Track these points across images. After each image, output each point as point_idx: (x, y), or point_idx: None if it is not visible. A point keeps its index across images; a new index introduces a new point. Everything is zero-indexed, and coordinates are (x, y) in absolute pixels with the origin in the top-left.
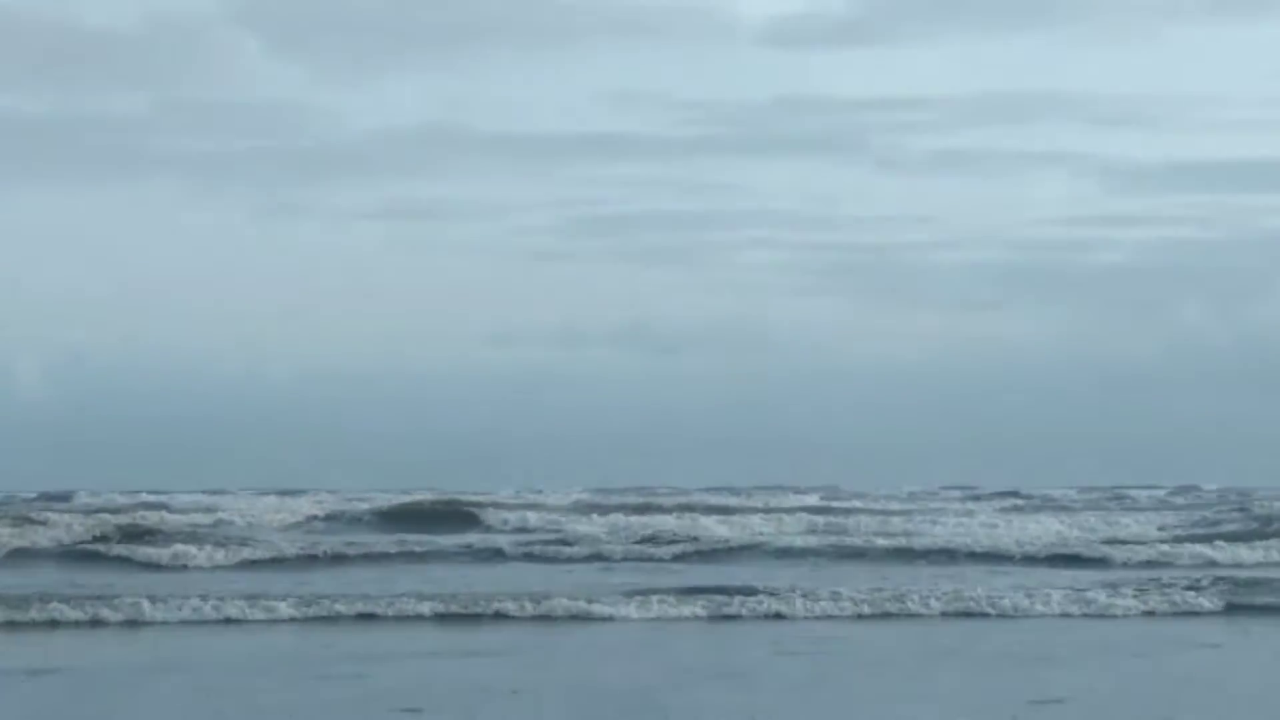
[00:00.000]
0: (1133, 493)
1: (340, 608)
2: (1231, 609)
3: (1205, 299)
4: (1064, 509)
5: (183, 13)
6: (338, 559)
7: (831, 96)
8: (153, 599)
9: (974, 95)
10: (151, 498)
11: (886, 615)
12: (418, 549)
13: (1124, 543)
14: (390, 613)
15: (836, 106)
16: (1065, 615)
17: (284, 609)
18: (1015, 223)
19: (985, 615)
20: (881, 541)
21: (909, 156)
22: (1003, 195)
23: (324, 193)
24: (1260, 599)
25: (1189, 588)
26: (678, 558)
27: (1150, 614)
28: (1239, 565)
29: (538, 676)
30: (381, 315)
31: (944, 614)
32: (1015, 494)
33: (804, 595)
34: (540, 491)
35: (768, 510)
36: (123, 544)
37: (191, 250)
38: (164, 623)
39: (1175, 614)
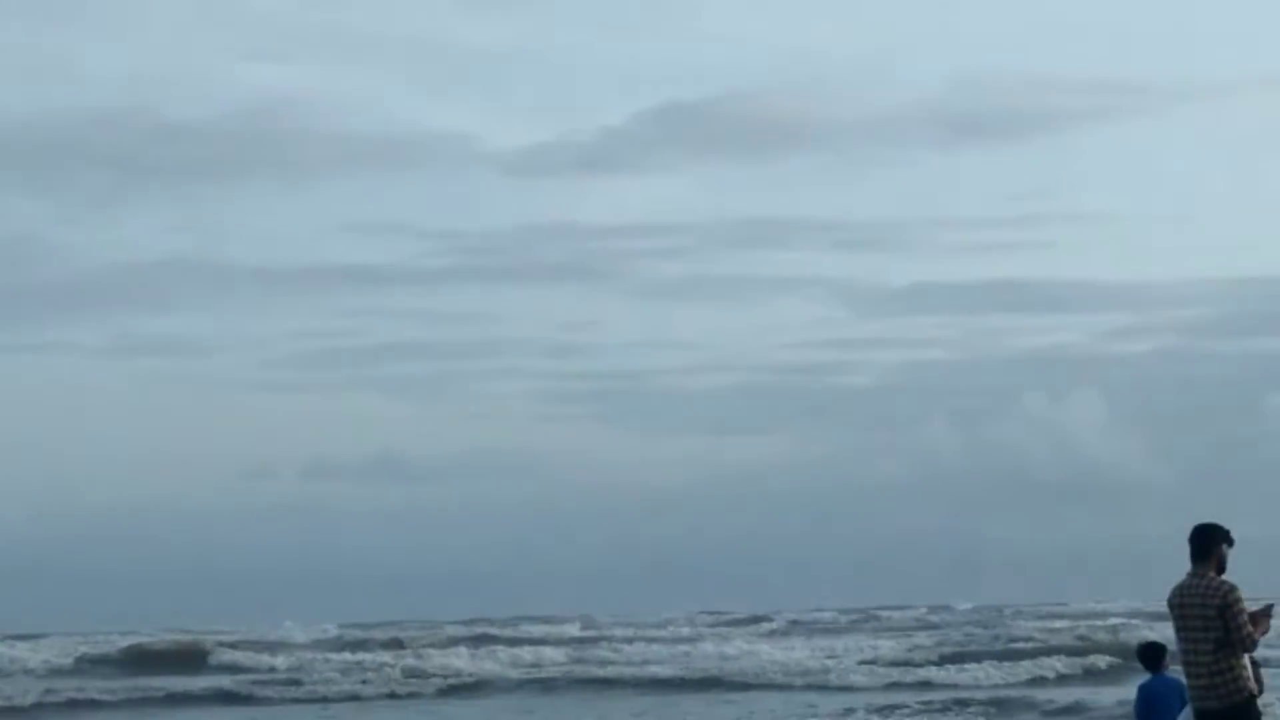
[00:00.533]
0: (887, 613)
1: None
2: None
3: (950, 417)
4: (821, 631)
5: None
6: (74, 705)
7: (580, 223)
8: None
9: (723, 222)
10: None
11: None
12: (157, 694)
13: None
14: None
15: (585, 233)
16: None
17: None
18: (766, 347)
19: None
20: (635, 671)
21: (659, 283)
22: (753, 320)
23: (67, 329)
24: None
25: (941, 709)
26: (442, 693)
27: None
28: (980, 686)
29: None
30: (125, 452)
31: None
32: (768, 618)
33: None
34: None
35: (529, 641)
36: None
37: None
38: None
39: None
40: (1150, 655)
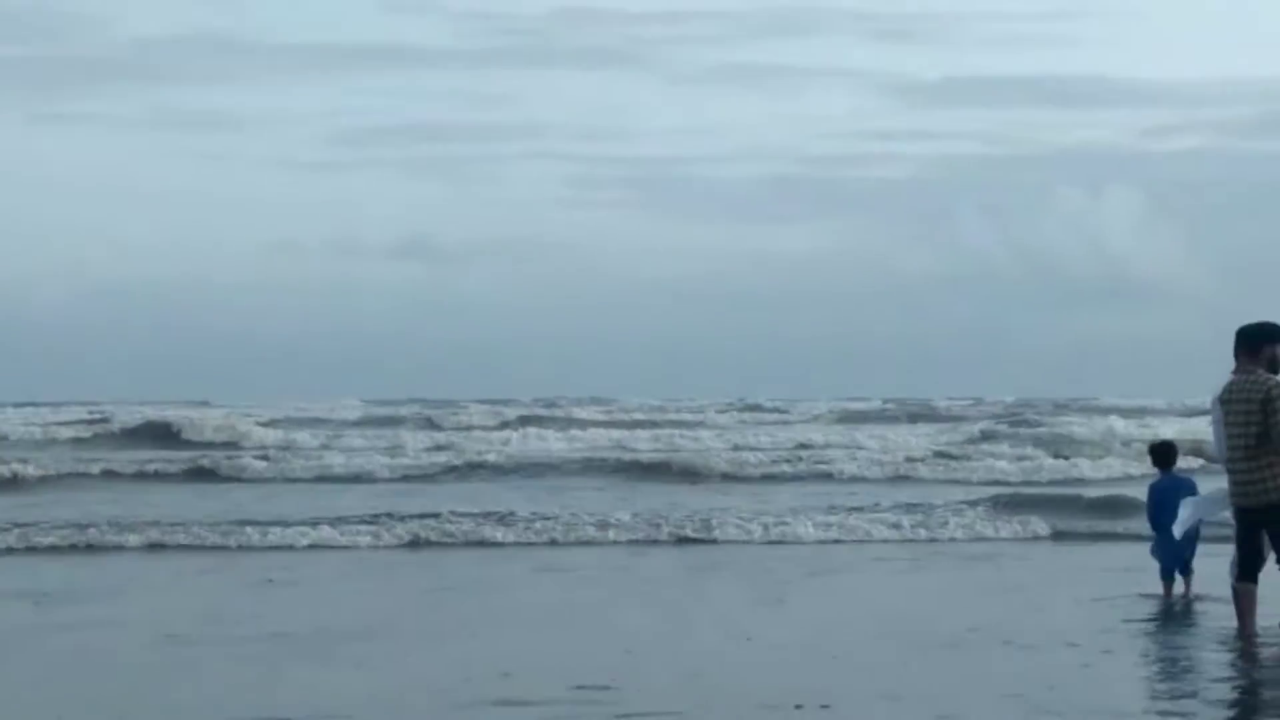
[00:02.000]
0: (920, 405)
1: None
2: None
3: (984, 212)
4: (863, 420)
5: None
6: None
7: (612, 9)
8: None
9: (757, 9)
10: None
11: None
12: (181, 466)
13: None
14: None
15: (621, 18)
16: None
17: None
18: (800, 137)
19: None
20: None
21: (694, 70)
22: (787, 109)
23: (97, 101)
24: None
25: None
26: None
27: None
28: (1010, 481)
29: None
30: (154, 226)
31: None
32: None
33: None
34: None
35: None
36: None
37: None
38: None
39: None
40: (1162, 454)
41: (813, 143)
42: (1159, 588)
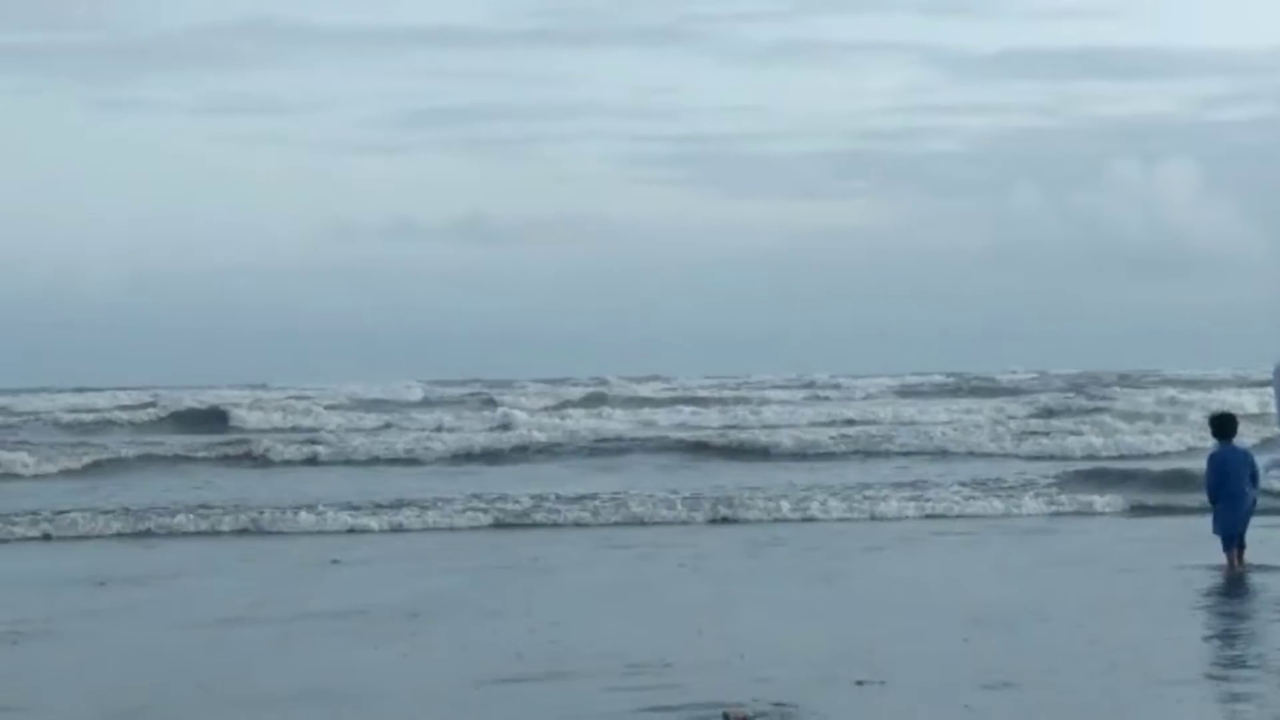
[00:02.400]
0: (978, 380)
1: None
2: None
3: (1041, 185)
4: (923, 395)
5: None
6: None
7: None
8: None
9: None
10: None
11: None
12: (241, 450)
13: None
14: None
15: None
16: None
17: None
18: (854, 111)
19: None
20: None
21: (746, 47)
22: (841, 84)
23: (152, 87)
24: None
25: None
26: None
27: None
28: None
29: None
30: (210, 212)
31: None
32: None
33: None
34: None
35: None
36: None
37: (16, 145)
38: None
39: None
40: (1221, 425)
41: (868, 118)
42: (1223, 559)
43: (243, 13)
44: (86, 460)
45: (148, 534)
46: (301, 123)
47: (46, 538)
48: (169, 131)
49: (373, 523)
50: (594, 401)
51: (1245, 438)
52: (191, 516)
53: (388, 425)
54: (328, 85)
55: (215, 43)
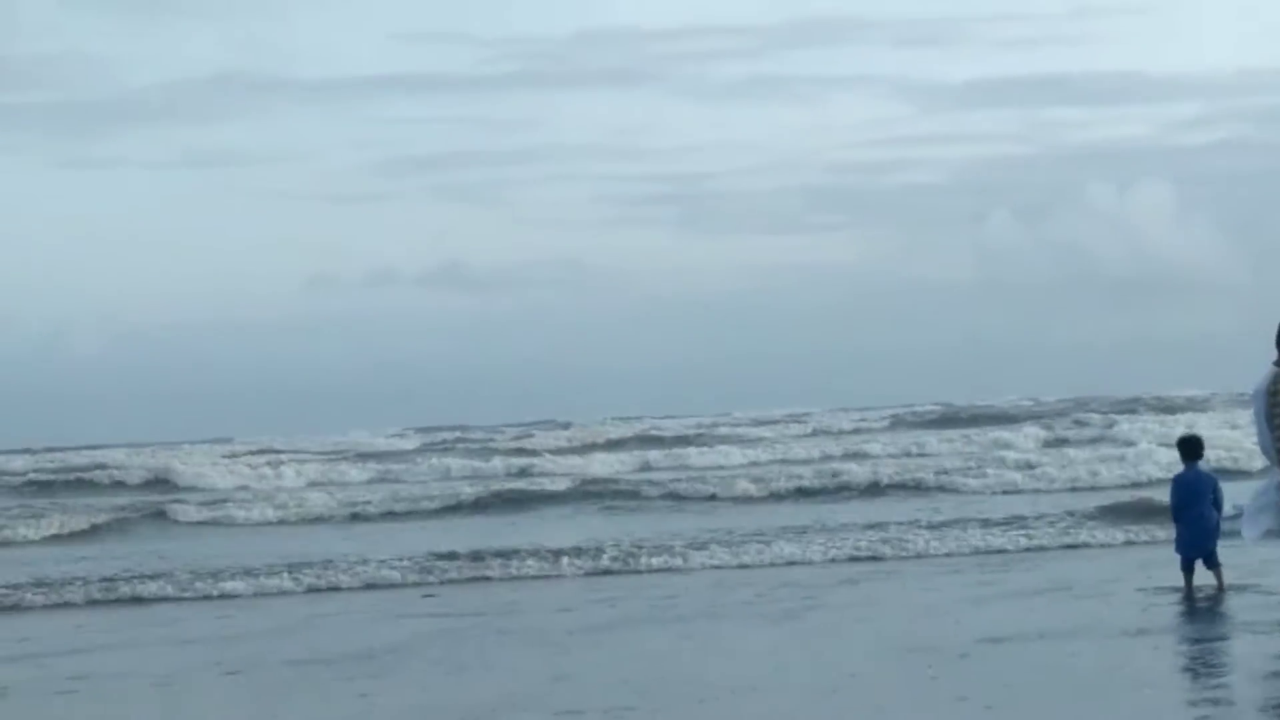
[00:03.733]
0: (970, 410)
1: None
2: None
3: (1016, 213)
4: (918, 426)
5: None
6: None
7: (632, 27)
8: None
9: (776, 22)
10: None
11: None
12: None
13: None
14: None
15: (639, 37)
16: None
17: None
18: (827, 145)
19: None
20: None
21: (717, 84)
22: (813, 119)
23: (120, 144)
24: None
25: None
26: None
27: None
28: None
29: None
30: (188, 267)
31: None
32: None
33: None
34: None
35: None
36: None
37: None
38: None
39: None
40: (1187, 448)
41: (841, 151)
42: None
43: (212, 68)
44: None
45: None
46: (275, 174)
47: None
48: (142, 188)
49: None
50: (603, 448)
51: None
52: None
53: (379, 479)
54: (299, 137)
55: (185, 98)
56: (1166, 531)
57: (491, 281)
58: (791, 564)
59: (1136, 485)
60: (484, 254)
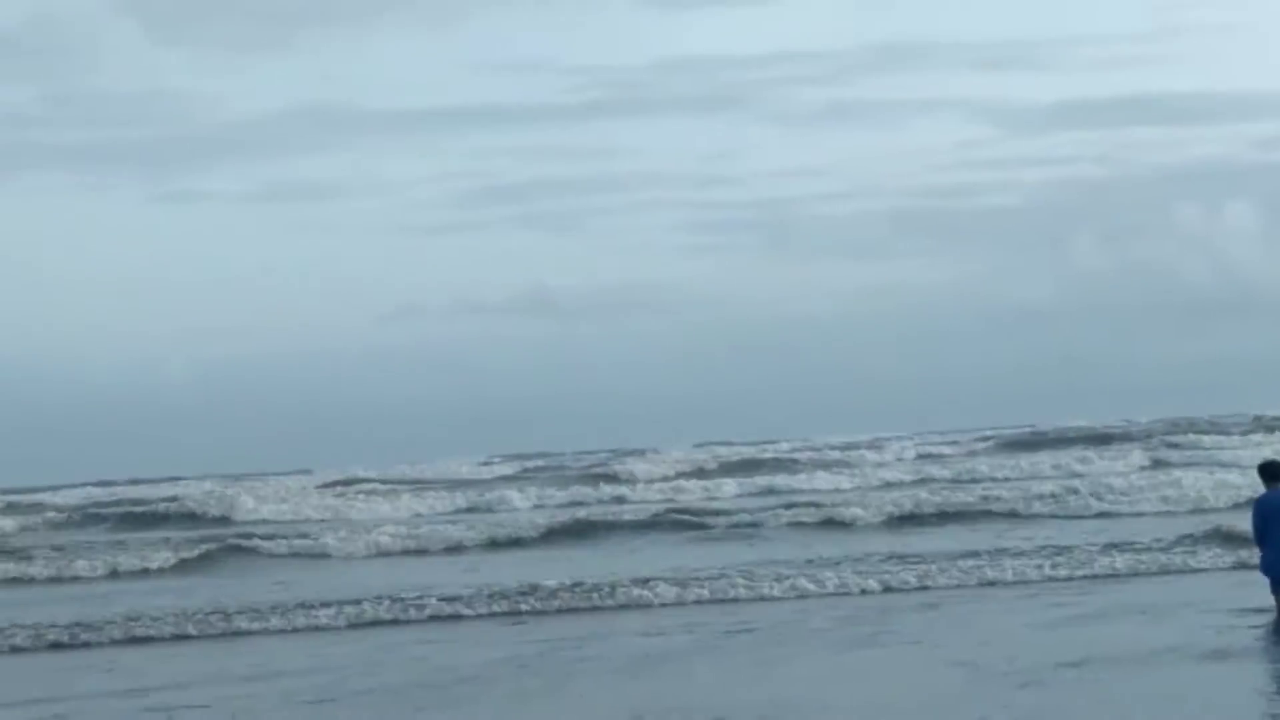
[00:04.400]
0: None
1: None
2: None
3: (1102, 235)
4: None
5: (64, 4)
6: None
7: (715, 54)
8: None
9: (858, 46)
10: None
11: None
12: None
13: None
14: None
15: (721, 64)
16: None
17: None
18: (912, 170)
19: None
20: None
21: (795, 111)
22: (898, 144)
23: (212, 178)
24: None
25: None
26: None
27: None
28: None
29: None
30: (278, 299)
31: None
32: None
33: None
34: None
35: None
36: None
37: (84, 240)
38: None
39: None
40: (1268, 471)
41: (925, 175)
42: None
43: (299, 102)
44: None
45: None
46: (364, 207)
47: None
48: (231, 222)
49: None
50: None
51: None
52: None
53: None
54: (387, 169)
55: (273, 133)
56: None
57: (575, 308)
58: (888, 590)
59: (1237, 506)
60: (568, 281)
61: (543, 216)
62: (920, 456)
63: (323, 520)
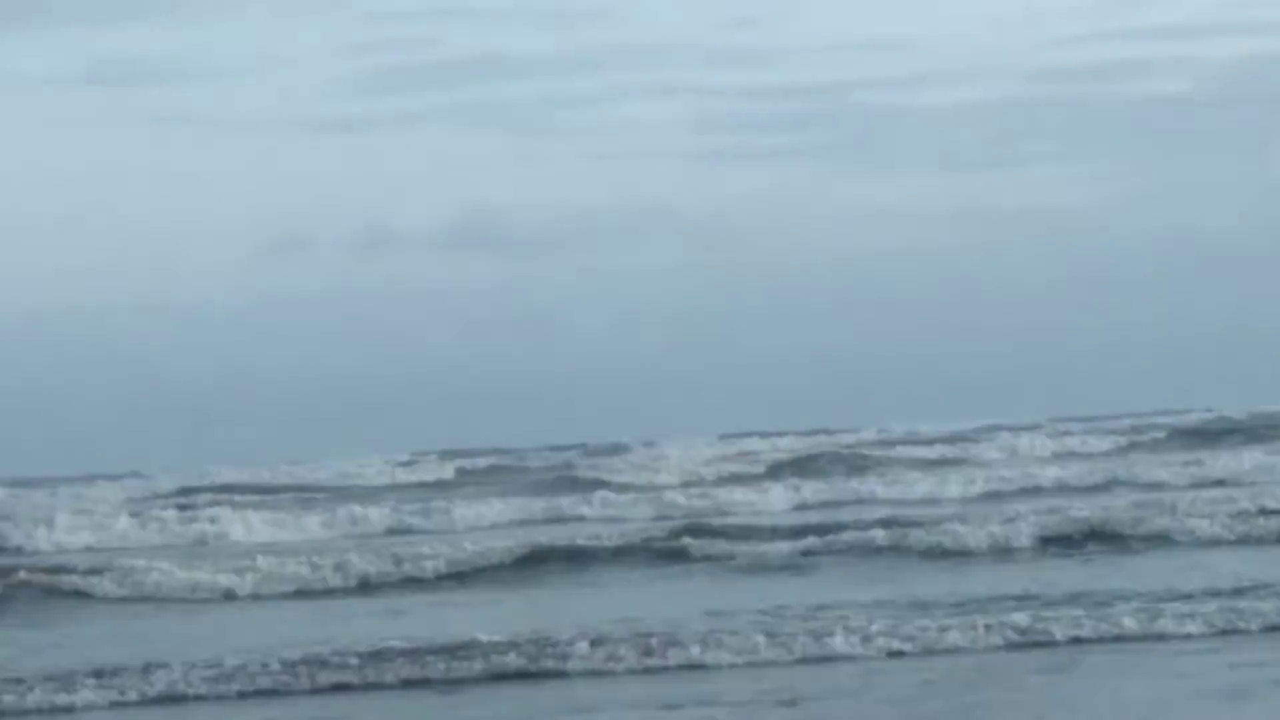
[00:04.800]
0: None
1: None
2: None
3: None
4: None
5: None
6: None
7: None
8: None
9: None
10: None
11: None
12: None
13: None
14: None
15: None
16: None
17: None
18: (1029, 44)
19: None
20: None
21: None
22: (1007, 7)
23: (17, 52)
24: None
25: None
26: None
27: None
28: None
29: None
30: (103, 229)
31: None
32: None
33: None
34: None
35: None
36: None
37: None
38: None
39: None
40: None
41: (1054, 50)
42: None
43: None
44: None
45: None
46: (223, 94)
47: None
48: (29, 114)
49: None
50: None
51: None
52: None
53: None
54: (257, 38)
55: None
56: None
57: (536, 241)
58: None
59: None
60: (525, 202)
61: (490, 109)
62: (1058, 454)
63: (160, 546)
